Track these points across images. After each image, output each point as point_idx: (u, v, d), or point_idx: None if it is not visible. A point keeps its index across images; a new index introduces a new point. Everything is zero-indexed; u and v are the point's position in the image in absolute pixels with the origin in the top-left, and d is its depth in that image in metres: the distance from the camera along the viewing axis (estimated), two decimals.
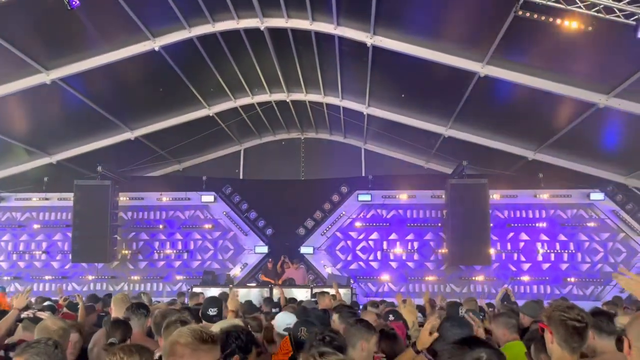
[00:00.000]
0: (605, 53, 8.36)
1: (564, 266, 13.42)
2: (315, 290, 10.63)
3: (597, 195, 13.40)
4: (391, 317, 5.39)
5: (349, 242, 14.16)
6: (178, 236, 14.40)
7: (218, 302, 4.45)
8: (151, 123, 13.30)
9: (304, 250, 14.04)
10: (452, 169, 13.90)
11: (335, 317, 4.43)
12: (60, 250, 14.27)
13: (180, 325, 3.10)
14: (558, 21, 7.17)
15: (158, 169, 16.04)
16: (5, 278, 13.96)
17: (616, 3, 6.72)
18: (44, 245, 14.36)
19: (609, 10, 6.79)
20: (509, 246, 13.66)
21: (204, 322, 4.29)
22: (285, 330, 3.98)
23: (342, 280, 12.16)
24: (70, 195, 13.40)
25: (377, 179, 14.42)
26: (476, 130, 12.46)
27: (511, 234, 13.70)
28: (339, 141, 16.38)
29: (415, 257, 13.94)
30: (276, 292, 10.69)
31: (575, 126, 10.49)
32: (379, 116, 13.05)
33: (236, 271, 14.04)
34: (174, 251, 14.31)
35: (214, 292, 10.57)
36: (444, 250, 13.70)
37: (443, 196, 13.75)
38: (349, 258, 14.07)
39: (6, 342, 4.16)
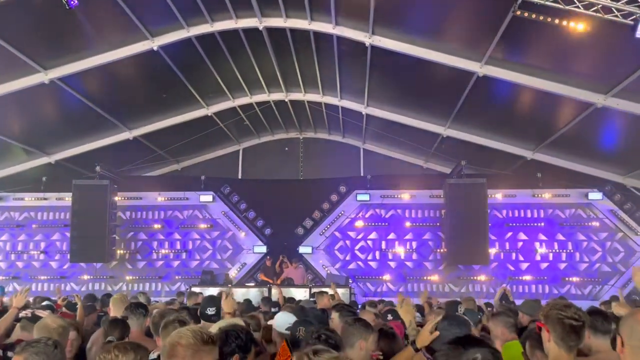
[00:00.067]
0: (603, 53, 8.38)
1: (562, 266, 13.44)
2: (314, 290, 10.63)
3: (595, 195, 13.42)
4: (390, 317, 5.39)
5: (348, 242, 14.16)
6: (176, 236, 14.39)
7: (216, 301, 4.45)
8: (150, 123, 13.29)
9: (302, 250, 14.04)
10: (450, 168, 13.91)
11: (334, 315, 4.43)
12: (58, 250, 14.25)
13: (179, 325, 3.11)
14: (556, 21, 7.18)
15: (156, 168, 16.03)
16: (4, 278, 13.94)
17: (614, 3, 6.73)
18: (42, 245, 14.34)
19: (607, 10, 6.81)
20: (507, 246, 13.67)
21: (202, 321, 4.29)
22: (287, 329, 3.98)
23: (341, 280, 12.17)
24: (69, 195, 13.39)
25: (375, 179, 14.43)
26: (475, 130, 12.47)
27: (509, 234, 13.72)
28: (337, 141, 16.39)
29: (414, 256, 13.95)
30: (275, 292, 10.69)
31: (573, 126, 10.51)
32: (377, 116, 13.06)
33: (235, 271, 14.03)
34: (173, 251, 14.30)
35: (212, 291, 10.54)
36: (442, 250, 13.71)
37: (441, 196, 13.76)
38: (348, 258, 14.07)
39: (4, 342, 4.16)
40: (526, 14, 7.16)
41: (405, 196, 14.17)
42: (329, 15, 9.59)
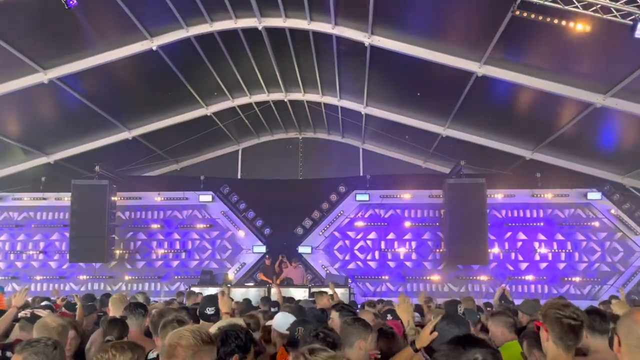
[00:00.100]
0: (602, 53, 8.38)
1: (561, 265, 13.45)
2: (313, 290, 10.63)
3: (594, 195, 13.43)
4: (389, 317, 5.39)
5: (347, 242, 14.16)
6: (176, 236, 14.39)
7: (215, 301, 4.44)
8: (149, 123, 13.28)
9: (302, 249, 14.05)
10: (449, 168, 13.92)
11: (334, 315, 4.42)
12: (57, 250, 14.24)
13: (178, 325, 3.11)
14: (555, 21, 7.18)
15: (156, 168, 16.02)
16: (3, 278, 13.92)
17: (613, 3, 6.74)
18: (42, 245, 14.34)
19: (606, 10, 6.81)
20: (506, 246, 13.68)
21: (201, 321, 4.29)
22: (287, 330, 3.98)
23: (340, 279, 12.17)
24: (68, 195, 13.39)
25: (375, 179, 14.43)
26: (474, 130, 12.47)
27: (509, 234, 13.73)
28: (337, 141, 16.39)
29: (413, 256, 13.95)
30: (274, 292, 10.69)
31: (572, 126, 10.52)
32: (377, 116, 13.06)
33: (234, 271, 14.04)
34: (172, 251, 14.30)
35: (212, 291, 10.53)
36: (441, 250, 13.72)
37: (441, 196, 13.77)
38: (347, 258, 14.07)
39: (3, 342, 4.15)
40: (525, 14, 7.17)
41: (405, 196, 14.17)
42: (328, 15, 9.60)
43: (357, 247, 14.11)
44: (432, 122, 12.64)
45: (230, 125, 14.80)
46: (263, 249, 14.13)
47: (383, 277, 13.86)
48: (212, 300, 4.44)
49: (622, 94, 8.98)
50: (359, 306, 8.54)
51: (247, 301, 8.09)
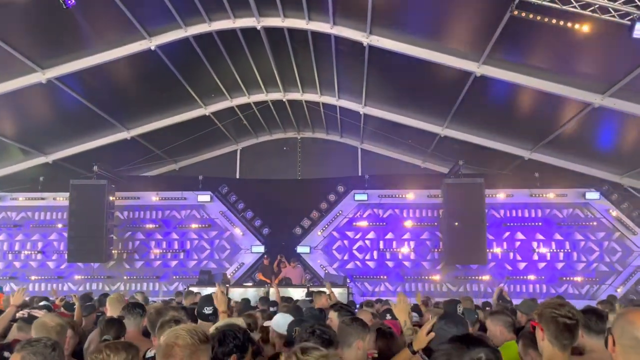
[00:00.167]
0: (601, 53, 8.40)
1: (560, 265, 13.46)
2: (312, 290, 10.62)
3: (592, 195, 13.45)
4: (388, 317, 5.39)
5: (346, 242, 14.17)
6: (174, 236, 14.38)
7: (213, 301, 4.43)
8: (147, 122, 13.27)
9: (300, 249, 14.05)
10: (448, 168, 13.92)
11: (332, 315, 4.42)
12: (55, 250, 14.23)
13: (175, 325, 3.10)
14: (554, 21, 7.19)
15: (154, 168, 16.01)
16: (1, 278, 13.90)
17: (611, 3, 6.74)
18: (40, 245, 14.32)
19: (604, 10, 6.82)
20: (505, 245, 13.69)
21: (199, 321, 4.28)
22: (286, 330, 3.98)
23: (339, 279, 12.16)
24: (66, 194, 13.38)
25: (373, 179, 14.44)
26: (472, 130, 12.48)
27: (507, 234, 13.74)
28: (335, 141, 16.39)
29: (412, 256, 13.96)
30: (272, 292, 10.67)
31: (571, 126, 10.54)
32: (375, 116, 13.06)
33: (232, 271, 14.03)
34: (170, 251, 14.29)
35: (210, 291, 10.52)
36: (440, 250, 13.72)
37: (439, 196, 13.78)
38: (346, 257, 14.08)
39: (1, 342, 4.15)
40: (524, 14, 7.18)
41: (403, 196, 14.18)
42: (326, 15, 9.59)
43: (355, 247, 14.11)
44: (430, 122, 12.65)
45: (229, 125, 14.80)
46: (261, 248, 14.12)
47: (382, 277, 13.86)
48: (210, 300, 4.42)
49: (620, 94, 8.99)
50: (357, 306, 8.54)
51: (245, 301, 8.09)
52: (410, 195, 14.18)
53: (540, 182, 13.64)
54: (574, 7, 6.89)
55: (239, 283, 13.18)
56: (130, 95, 12.28)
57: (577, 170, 12.63)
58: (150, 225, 14.38)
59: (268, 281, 12.47)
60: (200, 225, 14.35)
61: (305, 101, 13.95)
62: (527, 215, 13.77)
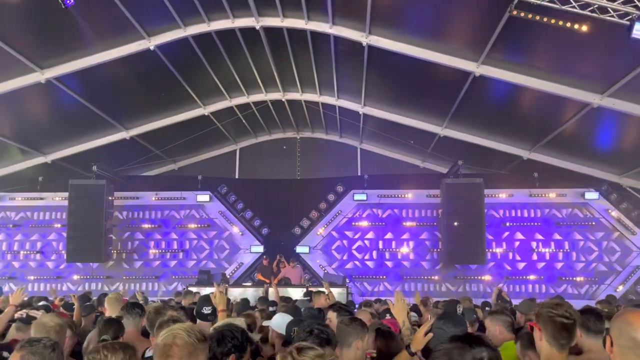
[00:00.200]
0: (599, 53, 8.40)
1: (559, 265, 13.47)
2: (310, 289, 10.61)
3: (591, 195, 13.45)
4: (388, 316, 5.39)
5: (345, 242, 14.16)
6: (173, 236, 14.37)
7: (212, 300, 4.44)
8: (146, 122, 13.26)
9: (299, 249, 14.04)
10: (447, 168, 13.93)
11: (332, 315, 4.42)
12: (54, 250, 14.22)
13: (173, 325, 3.09)
14: (553, 21, 7.20)
15: (153, 168, 16.00)
16: (0, 278, 13.90)
17: (610, 3, 6.75)
18: (39, 245, 14.31)
19: (603, 10, 6.82)
20: (504, 245, 13.70)
21: (198, 321, 4.29)
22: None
23: (338, 279, 12.17)
24: (65, 194, 13.36)
25: (372, 179, 14.43)
26: (471, 130, 12.48)
27: (506, 233, 13.74)
28: (334, 140, 16.39)
29: (411, 256, 13.96)
30: (271, 292, 10.67)
31: (570, 126, 10.54)
32: (374, 115, 13.07)
33: (232, 270, 14.02)
34: (170, 251, 14.29)
35: (209, 291, 10.51)
36: (439, 250, 13.72)
37: (439, 195, 13.78)
38: (345, 257, 14.08)
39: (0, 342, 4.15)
40: (523, 14, 7.18)
41: (403, 196, 14.18)
42: (326, 15, 9.60)
43: (355, 246, 14.11)
44: (429, 122, 12.65)
45: (228, 125, 14.79)
46: (261, 248, 14.12)
47: (381, 276, 13.86)
48: (209, 300, 4.43)
49: (619, 94, 9.00)
50: (356, 306, 8.53)
51: (244, 301, 8.08)
52: (410, 195, 14.19)
53: (539, 182, 13.65)
54: (573, 7, 6.89)
55: (238, 283, 13.18)
56: (129, 95, 12.27)
57: (576, 170, 12.64)
58: (149, 225, 14.37)
59: (267, 281, 12.46)
60: (199, 225, 14.35)
61: (305, 101, 13.95)
62: (526, 215, 13.77)
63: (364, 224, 14.18)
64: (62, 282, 13.97)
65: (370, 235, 14.14)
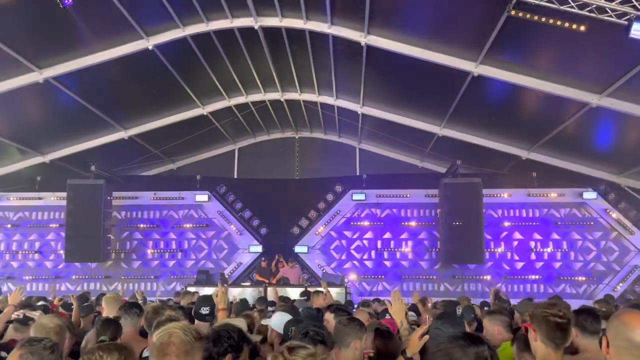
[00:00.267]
0: (597, 53, 8.41)
1: (557, 265, 13.47)
2: (310, 289, 10.60)
3: (590, 194, 13.46)
4: (388, 316, 5.40)
5: (344, 242, 14.16)
6: (172, 235, 14.36)
7: (210, 300, 4.43)
8: (145, 122, 13.26)
9: (298, 249, 14.03)
10: (446, 168, 13.94)
11: (329, 316, 4.42)
12: (53, 250, 14.19)
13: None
14: (551, 21, 7.21)
15: (152, 168, 15.99)
16: None
17: (608, 3, 6.76)
18: (37, 245, 14.28)
19: (601, 10, 6.84)
20: (502, 245, 13.70)
21: (196, 321, 4.29)
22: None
23: (337, 279, 12.17)
24: (64, 194, 13.34)
25: (371, 178, 14.43)
26: (470, 130, 12.50)
27: (505, 233, 13.75)
28: (333, 140, 16.40)
29: (410, 256, 13.96)
30: (270, 293, 10.67)
31: (568, 125, 10.55)
32: (373, 115, 13.07)
33: (230, 270, 14.02)
34: (168, 250, 14.27)
35: (208, 291, 10.51)
36: (438, 249, 13.73)
37: (437, 195, 13.78)
38: (344, 257, 14.07)
39: None
40: (521, 14, 7.19)
41: (401, 196, 14.18)
42: (324, 15, 9.60)
43: (353, 246, 14.11)
44: (428, 121, 12.66)
45: (227, 124, 14.79)
46: (259, 248, 14.11)
47: (379, 276, 13.87)
48: (208, 300, 4.43)
49: (617, 94, 9.01)
50: (355, 306, 8.53)
51: (243, 301, 8.07)
52: (408, 195, 14.19)
53: (537, 182, 13.67)
54: (571, 7, 6.91)
55: (236, 283, 13.18)
56: (127, 94, 12.26)
57: (574, 170, 12.65)
58: (147, 225, 14.35)
59: (266, 281, 12.46)
60: (198, 225, 14.34)
61: (303, 101, 13.96)
62: (524, 214, 13.78)
63: (363, 223, 14.18)
64: (60, 282, 13.93)
65: (368, 235, 14.14)
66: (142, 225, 14.36)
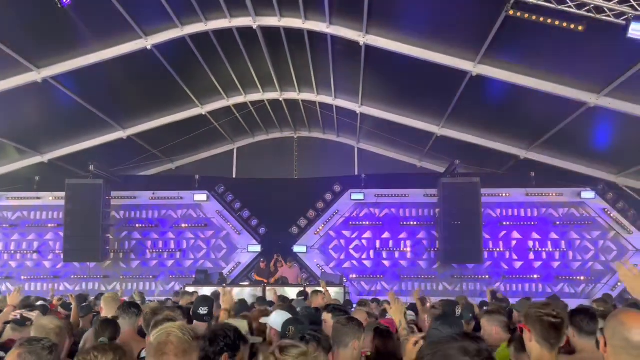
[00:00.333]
0: (595, 52, 8.42)
1: (555, 264, 13.49)
2: (308, 289, 10.60)
3: (588, 194, 13.47)
4: (388, 316, 5.40)
5: (342, 241, 14.17)
6: (171, 235, 14.35)
7: (209, 301, 4.44)
8: (144, 122, 13.26)
9: (297, 249, 14.03)
10: (444, 167, 13.95)
11: (327, 317, 4.42)
12: (51, 249, 14.17)
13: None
14: (549, 21, 7.22)
15: (150, 167, 15.99)
16: None
17: (606, 3, 6.77)
18: (36, 244, 14.26)
19: (599, 10, 6.85)
20: (501, 244, 13.71)
21: (195, 321, 4.29)
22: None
23: (335, 278, 12.18)
24: (62, 194, 13.31)
25: (370, 178, 14.44)
26: (468, 130, 12.52)
27: (503, 233, 13.76)
28: (332, 140, 16.40)
29: (408, 255, 13.97)
30: (270, 293, 10.66)
31: (566, 125, 10.56)
32: (372, 115, 13.08)
33: (229, 270, 14.02)
34: (167, 250, 14.26)
35: (206, 291, 10.52)
36: (436, 249, 13.74)
37: (436, 195, 13.79)
38: (342, 257, 14.08)
39: None
40: (519, 14, 7.21)
41: (400, 195, 14.19)
42: (323, 15, 9.60)
43: (352, 246, 14.11)
44: (427, 121, 12.68)
45: (226, 124, 14.79)
46: (258, 248, 14.10)
47: (378, 276, 13.88)
48: (206, 300, 4.43)
49: (615, 94, 9.03)
50: (354, 305, 8.53)
51: (242, 302, 8.06)
52: (407, 195, 14.19)
53: (536, 182, 13.68)
54: (569, 6, 6.92)
55: (235, 282, 13.17)
56: (126, 94, 12.26)
57: (572, 169, 12.67)
58: (146, 225, 14.34)
59: (265, 281, 12.46)
60: (196, 225, 14.33)
61: (302, 100, 13.96)
62: (522, 214, 13.79)
63: (362, 223, 14.19)
64: (59, 281, 13.92)
65: (367, 234, 14.15)
66: (140, 225, 14.35)
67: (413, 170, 15.67)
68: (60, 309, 6.93)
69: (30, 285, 13.76)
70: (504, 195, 13.90)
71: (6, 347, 3.29)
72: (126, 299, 6.39)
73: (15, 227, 14.28)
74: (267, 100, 13.94)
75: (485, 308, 7.78)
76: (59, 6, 7.16)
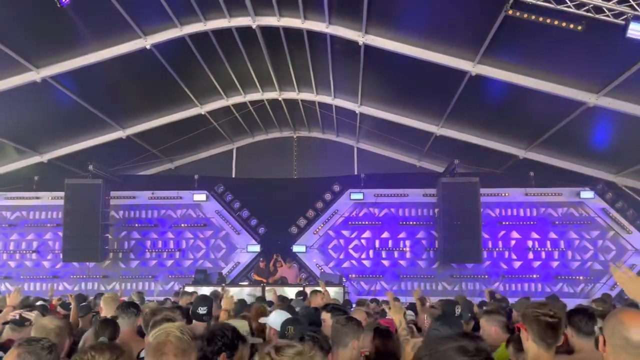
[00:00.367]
0: (595, 52, 8.43)
1: (554, 264, 13.50)
2: (307, 289, 10.60)
3: (587, 194, 13.48)
4: (387, 316, 5.40)
5: (342, 241, 14.17)
6: (170, 235, 14.34)
7: (208, 300, 4.44)
8: (143, 121, 13.25)
9: (296, 249, 14.03)
10: (444, 167, 13.96)
11: (326, 316, 4.42)
12: (51, 249, 14.16)
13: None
14: (548, 21, 7.23)
15: (150, 167, 15.98)
16: None
17: (605, 3, 6.78)
18: (35, 244, 14.25)
19: (598, 9, 6.86)
20: (500, 244, 13.72)
21: (194, 321, 4.29)
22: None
23: (335, 278, 12.18)
24: (61, 194, 13.30)
25: (369, 178, 14.44)
26: (468, 129, 12.52)
27: (502, 232, 13.77)
28: (331, 140, 16.40)
29: (408, 255, 13.97)
30: (269, 293, 10.66)
31: (565, 125, 10.57)
32: (371, 115, 13.08)
33: (228, 270, 14.01)
34: (166, 250, 14.25)
35: (206, 291, 10.52)
36: (436, 249, 13.75)
37: (435, 195, 13.79)
38: (342, 256, 14.08)
39: None
40: (518, 14, 7.22)
41: (399, 195, 14.19)
42: (322, 15, 9.61)
43: (351, 246, 14.11)
44: (426, 121, 12.68)
45: (225, 124, 14.79)
46: (257, 248, 14.10)
47: (377, 276, 13.88)
48: (205, 300, 4.43)
49: (614, 93, 9.04)
50: (354, 305, 8.54)
51: (241, 302, 8.06)
52: (406, 195, 14.19)
53: (535, 181, 13.68)
54: (569, 6, 6.93)
55: (234, 282, 13.17)
56: (125, 94, 12.25)
57: (571, 169, 12.69)
58: (145, 225, 14.33)
59: (264, 281, 12.46)
60: (195, 225, 14.32)
61: (301, 100, 13.96)
62: (522, 214, 13.80)
63: (361, 223, 14.19)
64: (58, 281, 13.91)
65: (366, 234, 14.15)
66: (139, 225, 14.34)
67: (412, 170, 15.67)
68: (59, 309, 6.92)
69: (30, 285, 13.75)
70: (503, 195, 13.91)
71: (5, 347, 3.29)
72: (125, 298, 6.39)
73: (14, 227, 14.27)
74: (267, 100, 13.93)
75: (484, 308, 7.79)
76: (58, 6, 7.16)
